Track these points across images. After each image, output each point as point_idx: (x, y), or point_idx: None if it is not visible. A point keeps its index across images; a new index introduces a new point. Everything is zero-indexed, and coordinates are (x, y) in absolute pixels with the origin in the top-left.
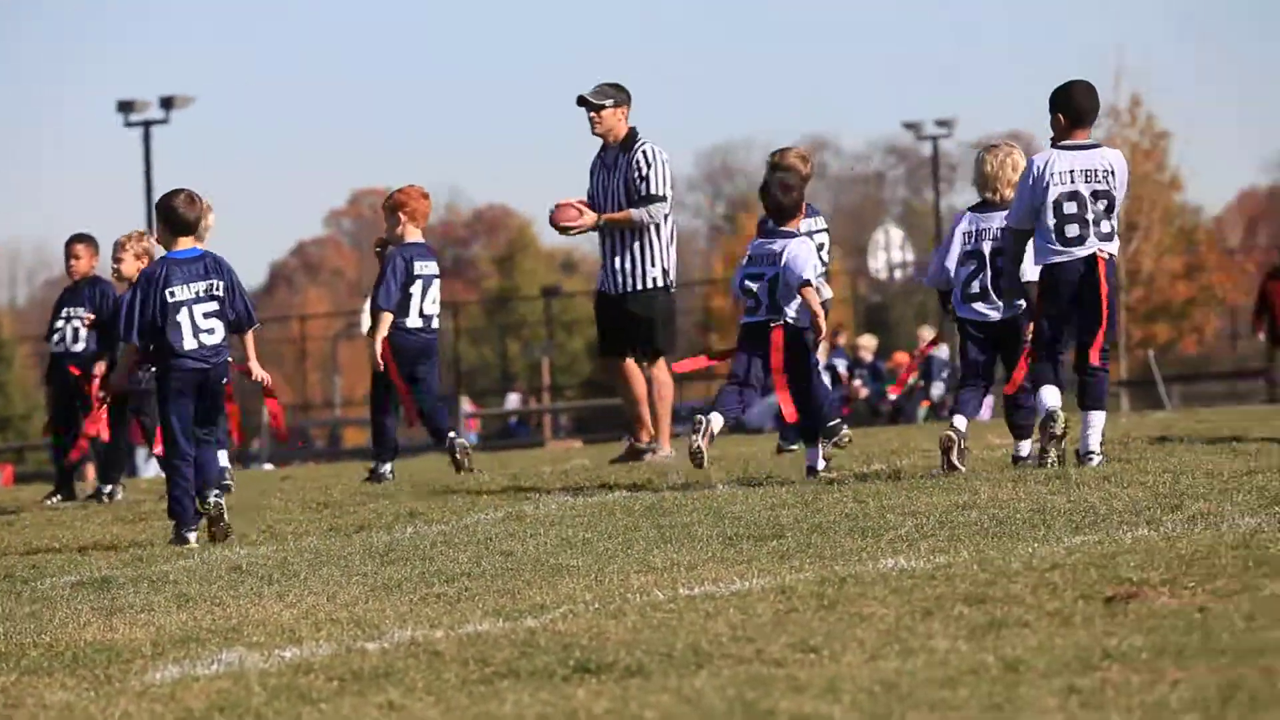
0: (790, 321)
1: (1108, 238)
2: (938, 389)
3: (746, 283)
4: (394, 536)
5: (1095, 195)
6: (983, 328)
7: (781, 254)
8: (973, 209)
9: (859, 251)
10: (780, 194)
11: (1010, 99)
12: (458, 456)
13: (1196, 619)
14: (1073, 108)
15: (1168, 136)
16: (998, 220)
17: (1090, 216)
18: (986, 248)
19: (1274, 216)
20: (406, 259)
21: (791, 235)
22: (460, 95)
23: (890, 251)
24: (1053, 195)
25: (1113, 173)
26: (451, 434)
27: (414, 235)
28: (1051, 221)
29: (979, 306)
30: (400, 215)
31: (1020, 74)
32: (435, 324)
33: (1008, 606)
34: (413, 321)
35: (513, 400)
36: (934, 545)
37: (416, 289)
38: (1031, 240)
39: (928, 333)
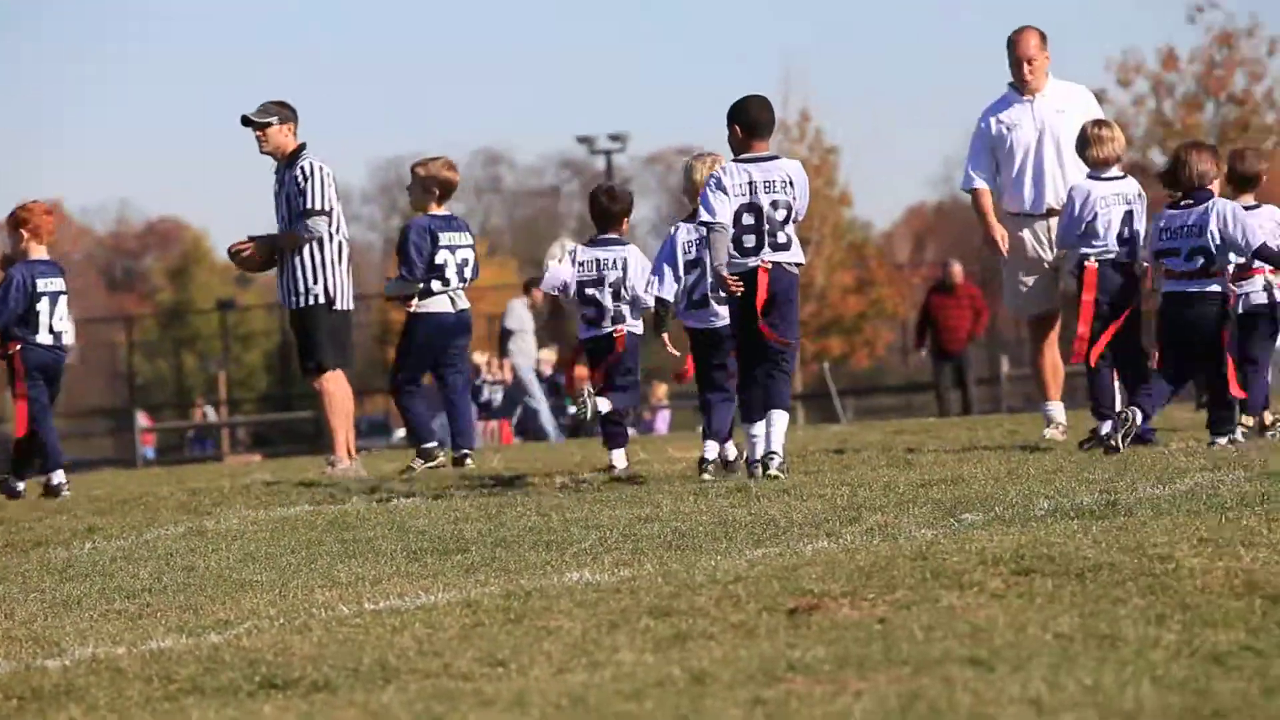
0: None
1: (784, 247)
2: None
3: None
4: (72, 553)
5: (774, 205)
6: (708, 335)
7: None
8: (686, 219)
9: (535, 265)
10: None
11: (683, 113)
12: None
13: (877, 630)
14: (748, 120)
15: (837, 151)
16: None
17: (767, 228)
18: (708, 255)
19: (941, 232)
20: (29, 276)
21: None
22: (128, 106)
23: (566, 264)
24: (733, 207)
25: (791, 183)
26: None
27: (38, 252)
28: (732, 232)
29: (703, 314)
30: (23, 232)
31: (692, 88)
32: (66, 340)
33: (692, 619)
34: (43, 338)
35: (210, 414)
36: (618, 558)
37: (44, 306)
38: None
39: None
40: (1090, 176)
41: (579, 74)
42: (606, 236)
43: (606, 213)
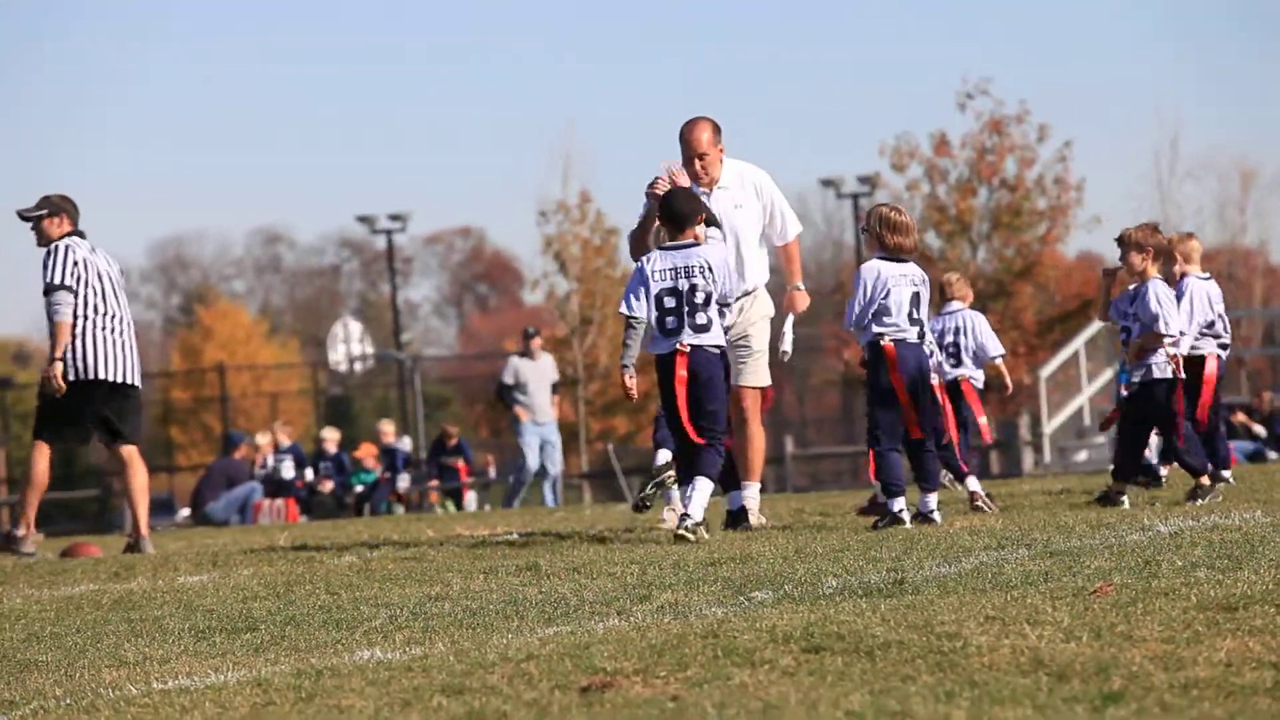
0: None
1: (704, 328)
2: (403, 481)
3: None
4: None
5: (693, 289)
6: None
7: None
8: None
9: (318, 344)
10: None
11: (462, 193)
12: None
13: (670, 707)
14: (671, 212)
15: (617, 233)
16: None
17: (686, 309)
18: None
19: None
20: None
21: None
22: None
23: (350, 344)
24: (654, 291)
25: (709, 268)
26: None
27: None
28: (654, 316)
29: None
30: None
31: (472, 168)
32: None
33: (485, 697)
34: None
35: None
36: (409, 636)
37: None
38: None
39: (388, 426)
40: (881, 258)
41: (358, 153)
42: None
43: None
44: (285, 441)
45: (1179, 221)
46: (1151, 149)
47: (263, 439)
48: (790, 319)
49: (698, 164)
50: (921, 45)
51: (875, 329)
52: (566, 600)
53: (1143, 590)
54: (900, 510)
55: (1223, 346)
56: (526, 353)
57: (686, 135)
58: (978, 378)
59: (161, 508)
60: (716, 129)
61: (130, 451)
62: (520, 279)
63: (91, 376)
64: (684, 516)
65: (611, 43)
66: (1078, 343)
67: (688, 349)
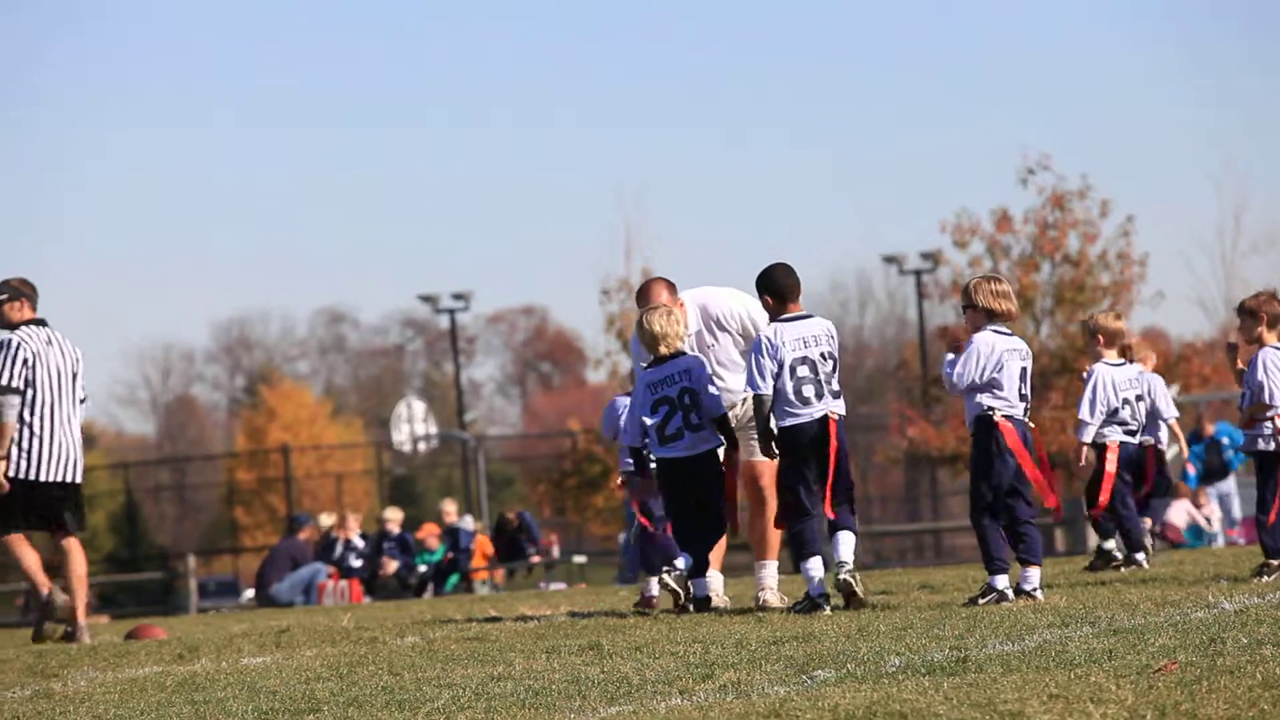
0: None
1: (838, 396)
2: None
3: None
4: None
5: (823, 357)
6: (683, 464)
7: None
8: (648, 367)
9: (382, 424)
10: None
11: (525, 272)
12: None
13: None
14: (777, 287)
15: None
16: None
17: (822, 378)
18: (674, 390)
19: None
20: None
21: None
22: None
23: (414, 424)
24: (788, 361)
25: (832, 336)
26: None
27: None
28: (790, 385)
29: (678, 445)
30: None
31: (534, 247)
32: None
33: None
34: None
35: None
36: (471, 717)
37: None
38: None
39: (451, 505)
40: (993, 330)
41: (421, 232)
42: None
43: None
44: (355, 531)
45: (1243, 295)
46: (1215, 224)
47: (327, 519)
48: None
49: None
50: (982, 121)
51: (987, 402)
52: (629, 679)
53: (1207, 668)
54: (1005, 587)
55: (1129, 433)
56: None
57: (646, 294)
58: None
59: (226, 589)
60: (671, 286)
61: (72, 543)
62: (583, 357)
63: (35, 478)
64: (840, 564)
65: (673, 121)
66: None
67: (837, 416)
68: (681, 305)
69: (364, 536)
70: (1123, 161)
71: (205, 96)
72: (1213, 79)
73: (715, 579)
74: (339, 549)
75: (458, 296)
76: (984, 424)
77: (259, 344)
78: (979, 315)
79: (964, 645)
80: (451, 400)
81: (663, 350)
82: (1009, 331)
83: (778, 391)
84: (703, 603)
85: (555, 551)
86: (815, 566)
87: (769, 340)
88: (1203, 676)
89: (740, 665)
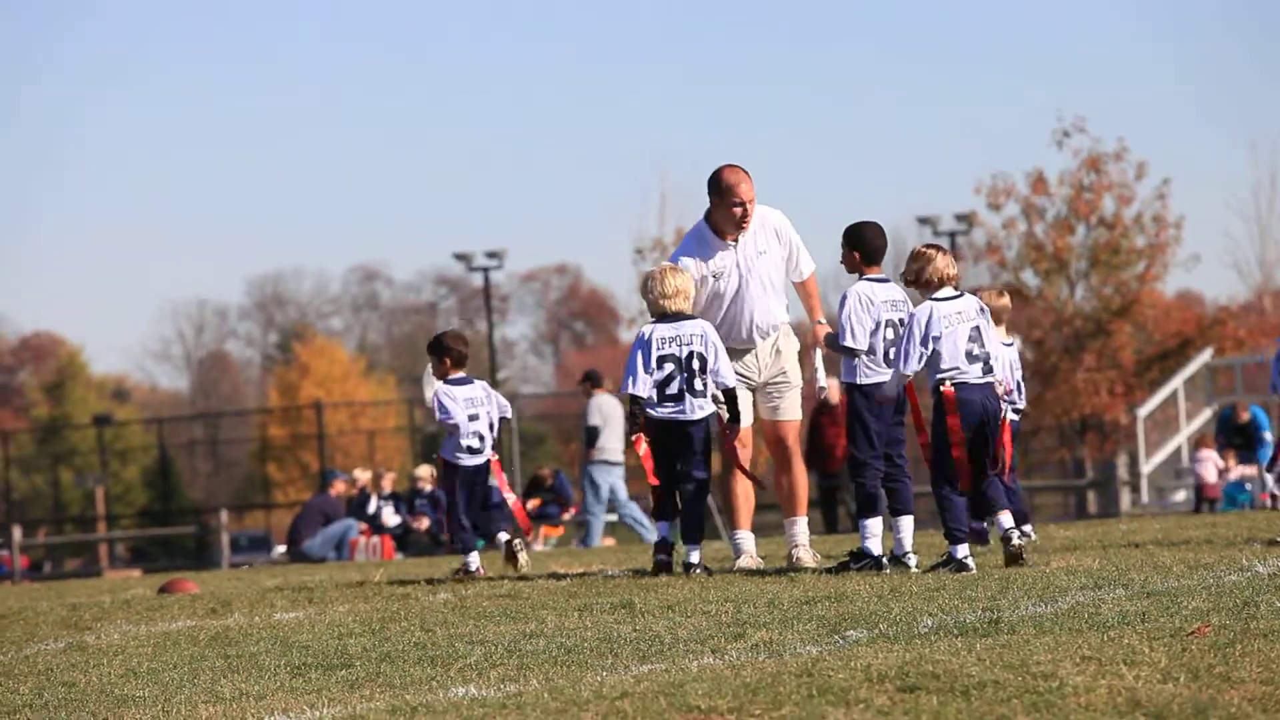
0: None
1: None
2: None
3: None
4: None
5: (901, 323)
6: (679, 428)
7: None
8: (657, 320)
9: (414, 382)
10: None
11: (559, 231)
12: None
13: None
14: (865, 247)
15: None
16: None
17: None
18: (683, 352)
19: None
20: None
21: None
22: (1, 221)
23: None
24: (882, 321)
25: (907, 301)
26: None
27: None
28: (881, 346)
29: (678, 407)
30: None
31: (569, 206)
32: None
33: None
34: None
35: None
36: (504, 674)
37: None
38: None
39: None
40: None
41: (455, 191)
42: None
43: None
44: (388, 489)
45: (1278, 257)
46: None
47: (361, 475)
48: (819, 354)
49: (746, 211)
50: (1018, 82)
51: (935, 375)
52: (661, 638)
53: (1241, 631)
54: (965, 557)
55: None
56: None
57: (733, 184)
58: None
59: (258, 544)
60: (750, 177)
61: None
62: (616, 316)
63: None
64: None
65: (706, 81)
66: (1176, 382)
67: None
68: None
69: (394, 495)
70: (1159, 124)
71: (245, 55)
72: (1249, 41)
73: (747, 539)
74: (374, 503)
75: (491, 255)
76: (935, 395)
77: (292, 300)
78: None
79: (997, 606)
80: (484, 358)
81: (671, 307)
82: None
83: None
84: (686, 567)
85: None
86: (876, 526)
87: (867, 297)
88: (1236, 640)
89: (772, 624)
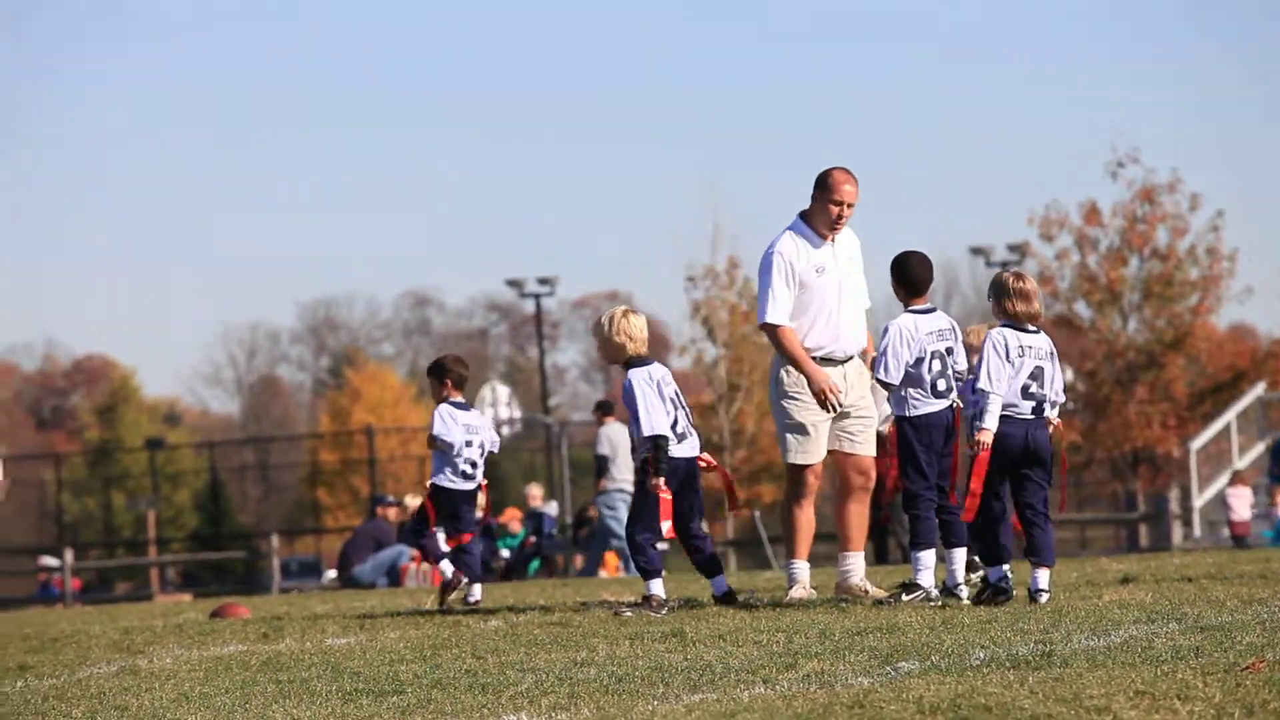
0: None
1: (953, 390)
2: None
3: None
4: (4, 691)
5: (948, 351)
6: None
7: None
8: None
9: None
10: None
11: (610, 258)
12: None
13: None
14: (910, 278)
15: None
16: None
17: (950, 372)
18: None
19: None
20: None
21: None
22: (54, 243)
23: (497, 408)
24: (928, 352)
25: (955, 331)
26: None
27: None
28: (928, 377)
29: (688, 444)
30: None
31: (620, 235)
32: None
33: None
34: None
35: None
36: (555, 702)
37: None
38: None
39: (536, 490)
40: (1008, 326)
41: (508, 217)
42: None
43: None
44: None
45: None
46: None
47: (412, 501)
48: (881, 391)
49: (845, 212)
50: (1071, 113)
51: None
52: (712, 667)
53: None
54: (1000, 579)
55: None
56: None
57: (838, 183)
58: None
59: (308, 569)
60: (858, 183)
61: None
62: (667, 344)
63: None
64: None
65: (762, 110)
66: (1229, 415)
67: (960, 405)
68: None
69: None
70: (1213, 156)
71: (301, 81)
72: None
73: (803, 569)
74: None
75: (543, 281)
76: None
77: (344, 325)
78: (995, 308)
79: (1049, 639)
80: (535, 385)
81: (644, 351)
82: (1027, 328)
83: (914, 379)
84: (727, 598)
85: None
86: (929, 559)
87: (909, 331)
88: None
89: (824, 655)
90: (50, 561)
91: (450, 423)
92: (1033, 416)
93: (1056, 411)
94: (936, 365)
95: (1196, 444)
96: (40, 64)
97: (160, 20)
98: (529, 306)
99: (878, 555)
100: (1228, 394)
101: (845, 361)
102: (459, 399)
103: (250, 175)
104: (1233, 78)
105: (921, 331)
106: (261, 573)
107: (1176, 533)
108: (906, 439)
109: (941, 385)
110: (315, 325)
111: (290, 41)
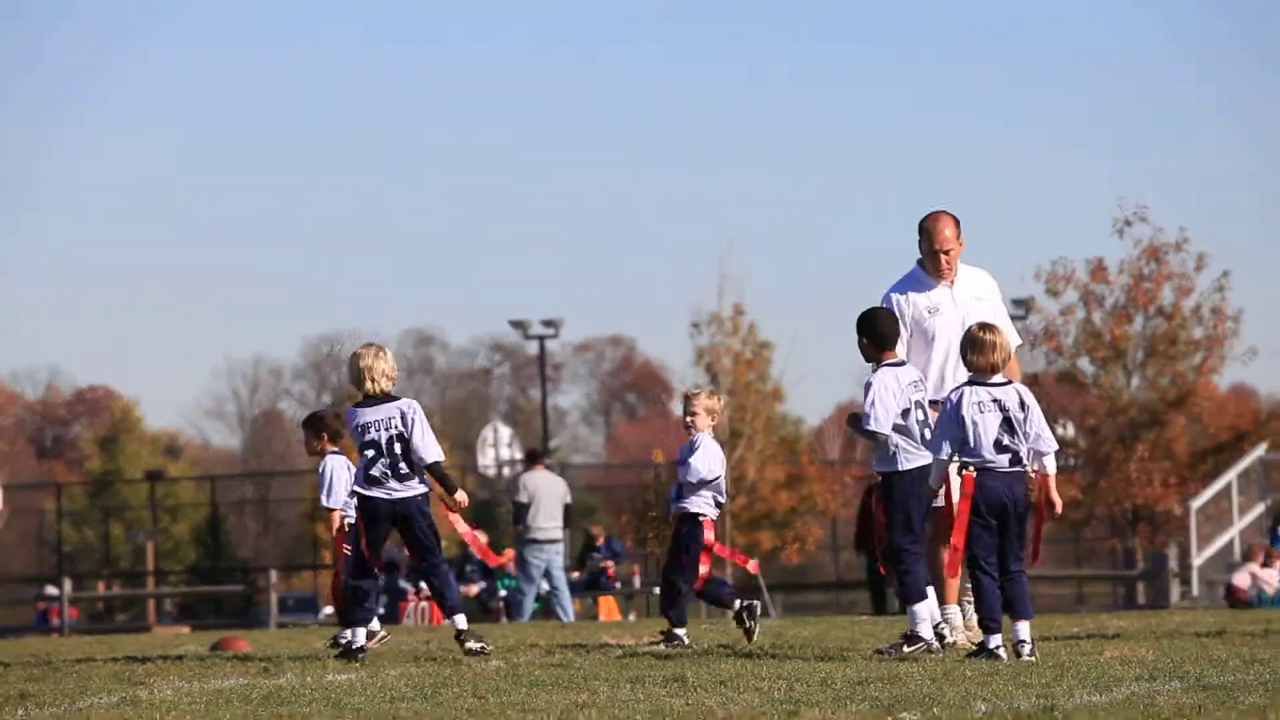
0: None
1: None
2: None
3: None
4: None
5: (917, 405)
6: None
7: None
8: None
9: (466, 448)
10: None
11: (614, 302)
12: None
13: None
14: (878, 333)
15: (770, 346)
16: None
17: (928, 422)
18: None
19: None
20: None
21: None
22: (59, 272)
23: (499, 448)
24: (912, 403)
25: (924, 381)
26: None
27: None
28: (916, 429)
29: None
30: None
31: (625, 277)
32: None
33: None
34: None
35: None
36: None
37: None
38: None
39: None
40: (972, 382)
41: (513, 258)
42: None
43: None
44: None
45: None
46: None
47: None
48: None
49: (942, 259)
50: (1079, 170)
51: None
52: (713, 713)
53: None
54: (996, 647)
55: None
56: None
57: (929, 229)
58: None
59: (305, 605)
60: (958, 224)
61: None
62: (669, 389)
63: None
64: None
65: (770, 159)
66: (1230, 475)
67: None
68: (961, 244)
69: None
70: (1220, 215)
71: (309, 118)
72: None
73: (955, 614)
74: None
75: (547, 323)
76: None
77: (348, 361)
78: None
79: (1051, 694)
80: (537, 426)
81: (387, 388)
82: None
83: (904, 430)
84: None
85: (637, 582)
86: (924, 610)
87: (893, 384)
88: None
89: (825, 703)
90: (52, 591)
91: (336, 481)
92: (1011, 469)
93: (1047, 461)
94: (919, 415)
95: (1197, 503)
96: (47, 98)
97: (166, 51)
98: (532, 348)
99: (875, 606)
100: (1229, 454)
101: None
102: (334, 449)
103: (258, 209)
104: (1243, 140)
105: (902, 383)
106: (258, 607)
107: (1174, 591)
108: (899, 493)
109: (927, 434)
110: (318, 361)
111: (297, 74)
